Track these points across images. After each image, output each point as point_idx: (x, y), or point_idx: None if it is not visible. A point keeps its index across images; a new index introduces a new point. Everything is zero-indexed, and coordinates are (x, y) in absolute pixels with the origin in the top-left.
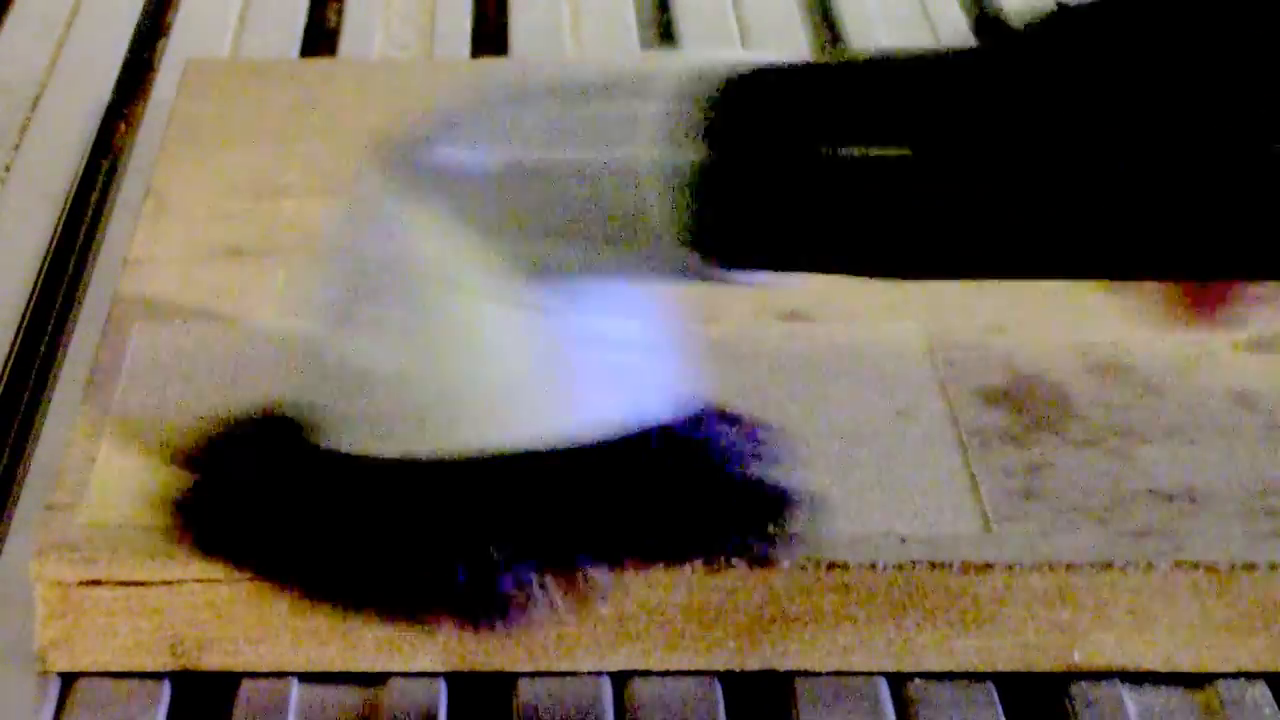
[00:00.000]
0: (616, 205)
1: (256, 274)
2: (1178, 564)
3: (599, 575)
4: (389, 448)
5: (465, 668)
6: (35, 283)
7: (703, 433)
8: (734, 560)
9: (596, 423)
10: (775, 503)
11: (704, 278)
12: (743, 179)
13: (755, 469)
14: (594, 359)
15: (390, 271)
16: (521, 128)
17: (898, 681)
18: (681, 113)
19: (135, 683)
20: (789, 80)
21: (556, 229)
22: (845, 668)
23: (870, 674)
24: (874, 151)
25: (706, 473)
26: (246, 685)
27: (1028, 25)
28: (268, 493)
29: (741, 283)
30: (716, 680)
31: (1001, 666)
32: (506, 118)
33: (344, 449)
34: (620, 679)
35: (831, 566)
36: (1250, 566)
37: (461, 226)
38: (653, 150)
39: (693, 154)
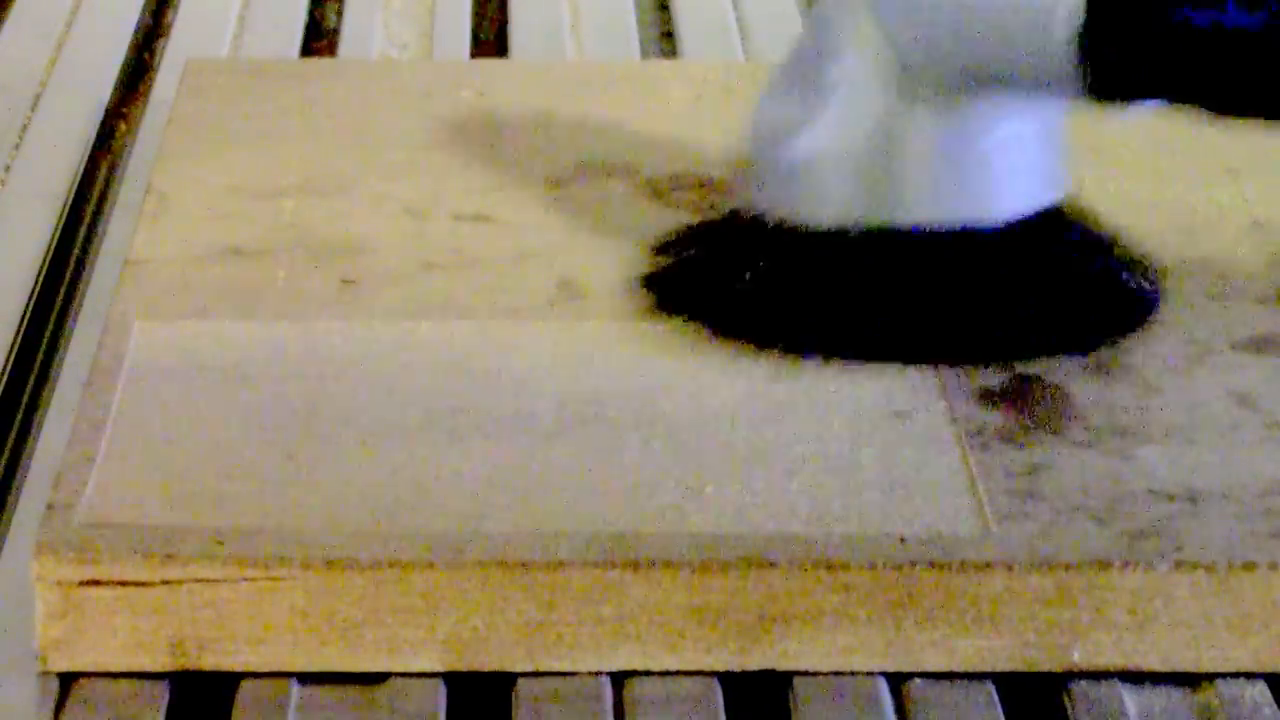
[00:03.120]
0: (1027, 42)
1: (256, 274)
2: (1178, 564)
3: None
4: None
5: (465, 668)
6: (35, 283)
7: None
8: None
9: (988, 212)
10: (1135, 302)
11: (1099, 104)
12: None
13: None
14: (993, 159)
15: (837, 80)
16: None
17: (898, 681)
18: None
19: (135, 683)
20: None
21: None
22: (845, 668)
23: (870, 674)
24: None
25: (1070, 266)
26: (246, 685)
27: None
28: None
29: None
30: (716, 680)
31: (1001, 666)
32: None
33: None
34: (620, 679)
35: (831, 566)
36: (1250, 566)
37: (896, 47)
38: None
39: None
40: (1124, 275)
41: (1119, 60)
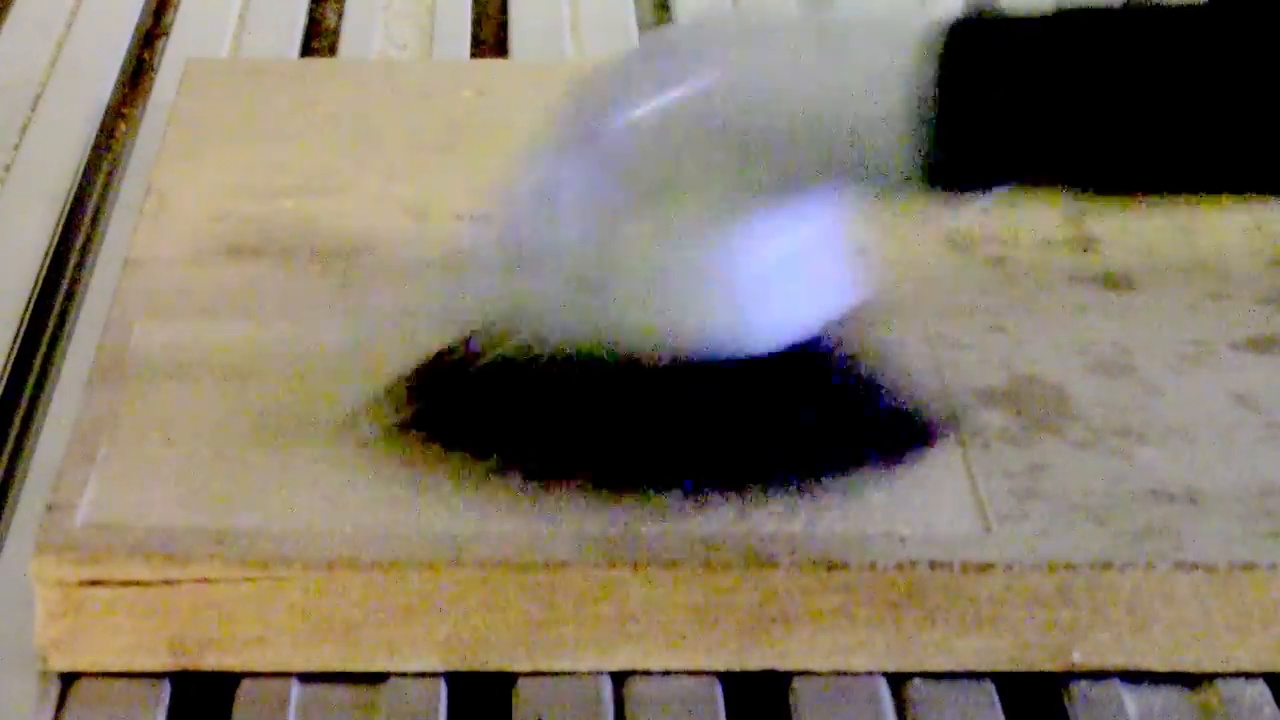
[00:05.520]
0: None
1: (256, 274)
2: (1178, 564)
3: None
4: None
5: (465, 667)
6: (35, 283)
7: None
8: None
9: (750, 342)
10: (915, 428)
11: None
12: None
13: (891, 395)
14: (766, 283)
15: (575, 211)
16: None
17: (898, 681)
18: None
19: (135, 683)
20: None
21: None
22: (845, 668)
23: (870, 674)
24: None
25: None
26: (246, 685)
27: None
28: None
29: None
30: (717, 680)
31: (1001, 666)
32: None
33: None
34: (620, 679)
35: (831, 566)
36: (1250, 566)
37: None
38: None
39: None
40: (898, 405)
41: (971, 146)
